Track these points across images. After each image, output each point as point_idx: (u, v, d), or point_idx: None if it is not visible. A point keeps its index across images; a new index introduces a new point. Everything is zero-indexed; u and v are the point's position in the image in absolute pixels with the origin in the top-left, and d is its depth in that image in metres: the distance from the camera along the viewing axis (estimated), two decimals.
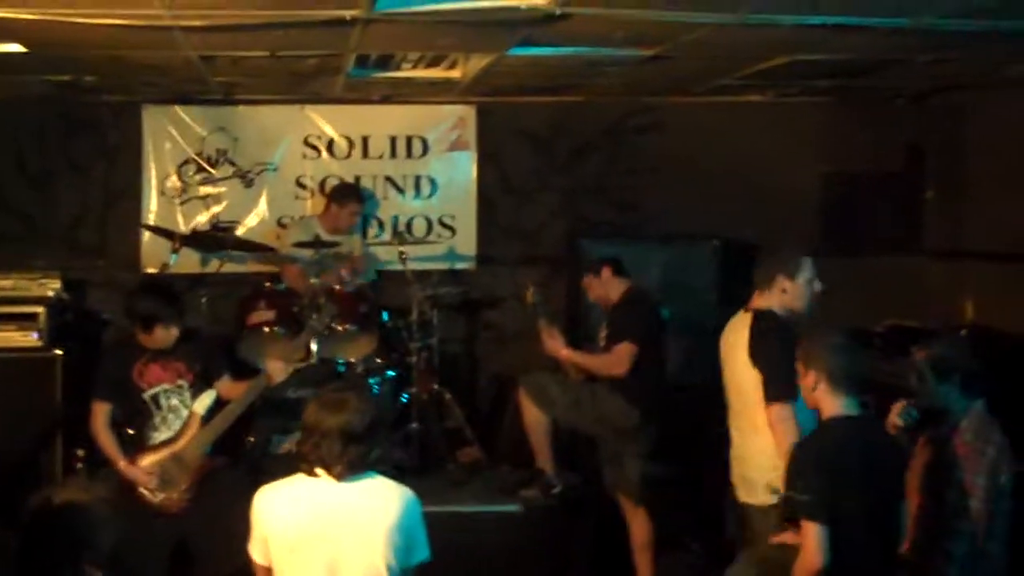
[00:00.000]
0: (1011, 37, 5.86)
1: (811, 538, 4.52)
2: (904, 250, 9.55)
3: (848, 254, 9.26)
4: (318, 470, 4.29)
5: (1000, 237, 8.61)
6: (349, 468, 4.25)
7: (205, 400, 6.41)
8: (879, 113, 9.40)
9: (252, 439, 7.65)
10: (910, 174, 9.68)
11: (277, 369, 6.55)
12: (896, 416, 5.27)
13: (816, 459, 4.66)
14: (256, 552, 4.41)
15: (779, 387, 5.26)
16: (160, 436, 6.41)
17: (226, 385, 6.61)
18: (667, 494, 7.05)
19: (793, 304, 5.64)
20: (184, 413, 6.42)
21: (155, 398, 6.43)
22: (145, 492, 6.24)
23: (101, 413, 6.42)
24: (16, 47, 6.30)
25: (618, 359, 6.70)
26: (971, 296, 9.07)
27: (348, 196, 8.66)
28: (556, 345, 6.99)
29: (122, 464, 6.32)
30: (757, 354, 5.49)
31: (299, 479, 4.34)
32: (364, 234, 9.15)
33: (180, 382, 6.46)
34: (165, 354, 6.44)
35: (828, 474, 4.57)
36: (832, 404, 4.72)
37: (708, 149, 9.18)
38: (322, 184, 9.15)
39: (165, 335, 6.38)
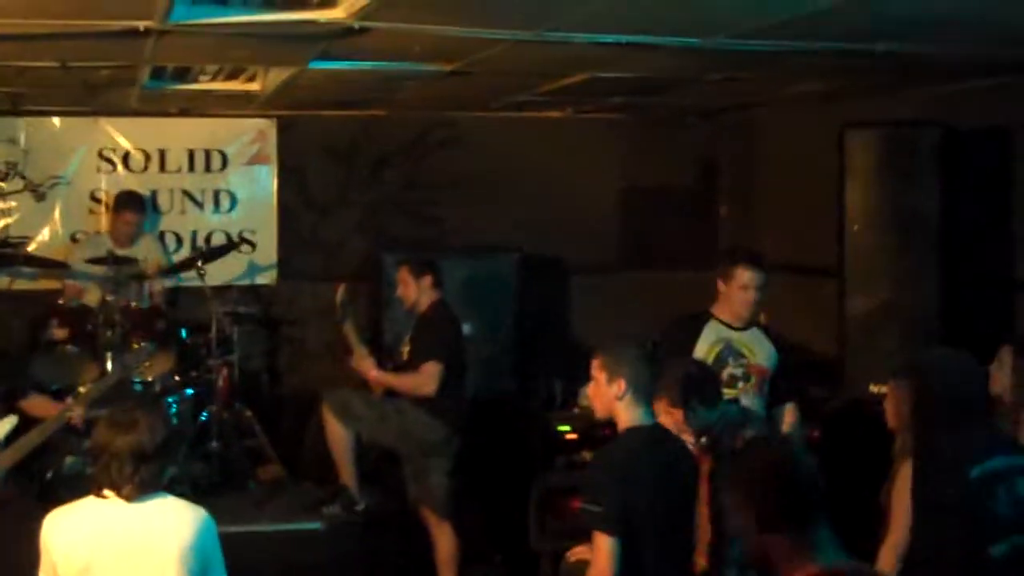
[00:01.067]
0: (798, 55, 6.05)
1: (602, 550, 4.46)
2: (699, 264, 9.75)
3: (644, 268, 9.48)
4: (108, 492, 4.18)
5: (789, 249, 8.88)
6: (140, 489, 4.13)
7: (4, 426, 6.16)
8: (673, 129, 9.65)
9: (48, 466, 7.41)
10: (704, 189, 9.96)
11: (78, 415, 6.35)
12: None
13: (609, 469, 4.70)
14: None
15: None
16: None
17: (37, 403, 6.41)
18: (470, 507, 7.09)
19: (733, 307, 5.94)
20: None
21: None
22: None
23: None
24: None
25: (426, 378, 6.68)
26: (764, 307, 9.32)
27: (123, 205, 8.45)
28: (367, 366, 6.95)
29: None
30: None
31: (89, 502, 4.21)
32: (164, 249, 8.96)
33: None
34: None
35: (621, 485, 4.60)
36: (631, 415, 4.77)
37: (508, 163, 9.28)
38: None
39: None
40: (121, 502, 4.16)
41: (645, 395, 4.76)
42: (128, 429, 4.16)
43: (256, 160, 9.30)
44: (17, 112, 8.75)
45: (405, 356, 6.98)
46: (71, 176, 8.96)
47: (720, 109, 9.10)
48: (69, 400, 6.44)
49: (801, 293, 8.41)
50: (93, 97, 8.09)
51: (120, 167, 9.05)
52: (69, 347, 7.48)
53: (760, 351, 5.95)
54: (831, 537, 3.17)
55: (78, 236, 8.87)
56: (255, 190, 9.30)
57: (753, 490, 3.24)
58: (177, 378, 7.90)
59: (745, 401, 5.84)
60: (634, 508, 4.54)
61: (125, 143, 9.06)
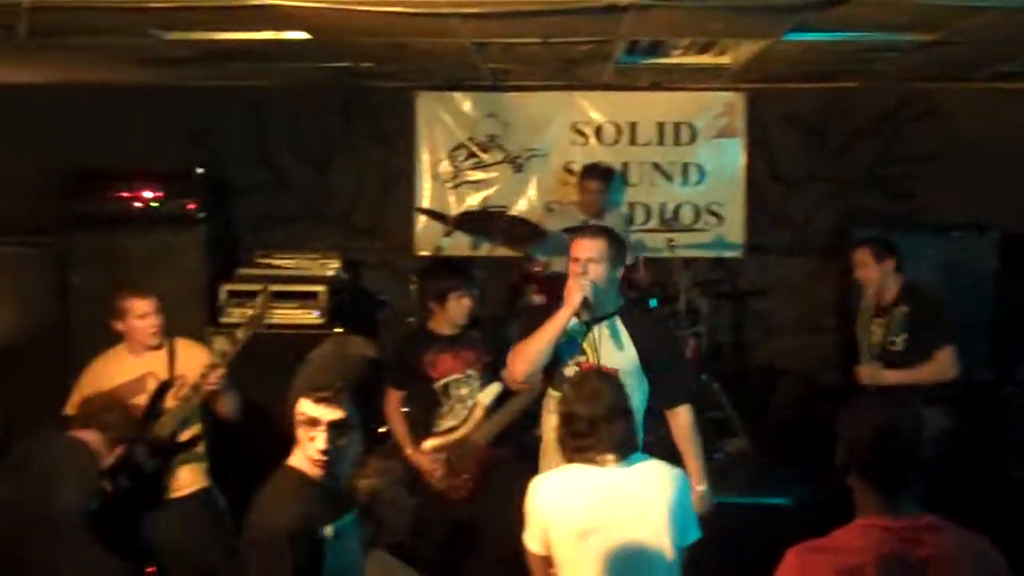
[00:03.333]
0: None
1: None
2: None
3: None
4: (592, 456, 4.28)
5: None
6: (621, 451, 4.25)
7: (491, 391, 6.43)
8: None
9: (537, 433, 7.71)
10: None
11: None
12: None
13: None
14: (534, 542, 4.40)
15: None
16: (445, 424, 6.45)
17: None
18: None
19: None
20: (470, 403, 6.47)
21: (445, 388, 6.45)
22: (429, 478, 6.38)
23: (393, 399, 6.58)
24: (301, 35, 6.54)
25: (946, 364, 6.56)
26: None
27: (587, 174, 8.57)
28: (878, 374, 6.73)
29: (409, 451, 6.47)
30: None
31: (572, 467, 4.34)
32: (630, 221, 9.14)
33: (470, 371, 6.47)
34: (455, 343, 6.49)
35: None
36: None
37: (987, 137, 8.81)
38: None
39: (458, 307, 6.43)
40: (606, 466, 4.27)
41: None
42: (597, 394, 4.26)
43: (724, 133, 9.29)
44: (498, 88, 9.15)
45: (895, 347, 6.75)
46: (547, 148, 9.28)
47: None
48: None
49: None
50: (569, 72, 8.36)
51: (593, 140, 9.28)
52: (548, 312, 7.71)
53: None
54: (917, 500, 3.36)
55: (552, 206, 9.16)
56: (723, 163, 9.29)
57: (855, 435, 3.43)
58: None
59: None
60: None
61: (598, 116, 9.28)
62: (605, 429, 4.24)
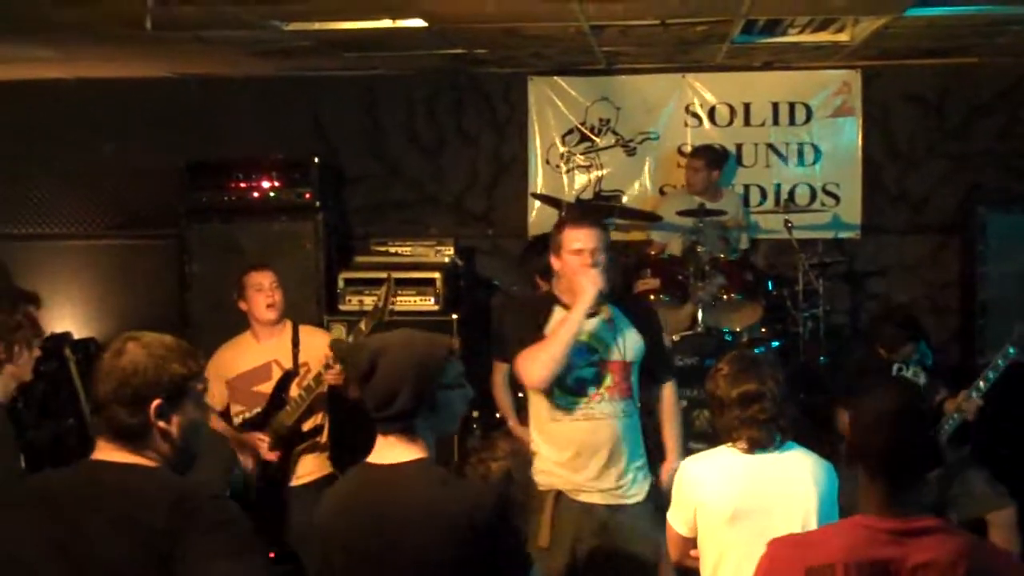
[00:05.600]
0: None
1: None
2: None
3: None
4: (743, 442, 4.24)
5: None
6: (773, 438, 4.21)
7: None
8: None
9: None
10: None
11: None
12: None
13: None
14: (679, 523, 4.39)
15: None
16: None
17: None
18: None
19: (569, 282, 5.19)
20: None
21: None
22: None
23: (500, 372, 6.63)
24: (418, 22, 6.56)
25: None
26: None
27: (695, 154, 8.64)
28: None
29: (512, 423, 6.53)
30: None
31: (724, 450, 4.31)
32: (746, 202, 9.07)
33: None
34: None
35: None
36: None
37: None
38: None
39: None
40: (760, 452, 4.24)
41: None
42: (751, 379, 4.22)
43: (840, 112, 9.16)
44: (611, 71, 9.11)
45: None
46: (660, 131, 9.22)
47: None
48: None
49: None
50: (682, 54, 8.32)
51: (706, 121, 9.21)
52: (662, 296, 7.70)
53: None
54: (919, 500, 3.19)
55: (666, 189, 9.12)
56: (839, 143, 9.15)
57: (860, 422, 3.28)
58: (764, 330, 7.95)
59: None
60: None
61: (711, 98, 9.20)
62: (759, 413, 4.19)
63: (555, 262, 5.18)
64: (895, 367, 6.56)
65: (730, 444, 4.26)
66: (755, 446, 4.20)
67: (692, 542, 4.34)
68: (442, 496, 3.35)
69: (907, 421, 3.25)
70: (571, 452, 5.13)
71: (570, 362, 5.02)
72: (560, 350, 4.95)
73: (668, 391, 5.43)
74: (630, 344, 5.18)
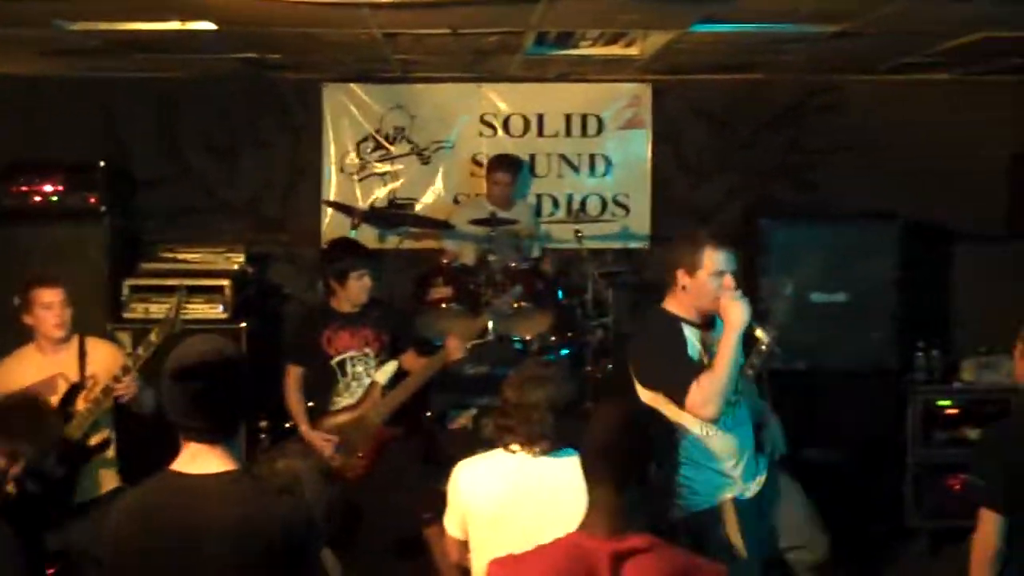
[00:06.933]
0: None
1: (985, 525, 4.35)
2: None
3: None
4: (516, 445, 4.28)
5: None
6: (550, 443, 4.23)
7: (388, 370, 6.58)
8: None
9: (430, 413, 7.75)
10: None
11: (456, 346, 6.66)
12: None
13: (996, 443, 4.57)
14: (452, 526, 4.41)
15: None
16: (342, 402, 6.63)
17: (409, 358, 6.77)
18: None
19: (699, 303, 5.11)
20: (367, 381, 6.60)
21: (341, 364, 6.64)
22: (324, 456, 6.42)
23: (293, 377, 6.62)
24: (208, 25, 6.45)
25: None
26: None
27: (495, 166, 8.69)
28: None
29: (304, 428, 6.53)
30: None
31: (498, 454, 4.33)
32: (538, 212, 9.15)
33: (367, 350, 6.66)
34: (354, 321, 6.63)
35: (1006, 459, 4.41)
36: None
37: (891, 128, 8.97)
38: None
39: (359, 286, 6.57)
40: (531, 456, 4.25)
41: None
42: (542, 384, 4.25)
43: (631, 124, 9.33)
44: (406, 80, 9.10)
45: None
46: (454, 140, 9.24)
47: None
48: (449, 338, 6.72)
49: None
50: (477, 64, 8.35)
51: (500, 132, 9.26)
52: (454, 305, 7.72)
53: None
54: (640, 504, 3.15)
55: (459, 198, 9.14)
56: (630, 154, 9.32)
57: (590, 440, 3.27)
58: (553, 338, 8.02)
59: None
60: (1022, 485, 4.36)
61: (505, 108, 9.26)
62: (538, 418, 4.22)
63: (683, 278, 5.09)
64: None
65: (505, 448, 4.30)
66: (529, 450, 4.23)
67: (467, 545, 4.36)
68: (257, 511, 3.26)
69: (616, 425, 3.23)
70: (728, 460, 5.10)
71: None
72: (727, 380, 4.86)
73: None
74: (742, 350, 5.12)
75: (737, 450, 5.13)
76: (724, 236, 5.18)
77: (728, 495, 5.10)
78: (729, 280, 4.97)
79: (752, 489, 5.20)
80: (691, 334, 5.07)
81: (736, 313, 4.85)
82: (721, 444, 5.09)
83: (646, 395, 5.08)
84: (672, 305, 5.19)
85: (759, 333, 4.98)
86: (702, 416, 4.93)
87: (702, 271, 5.01)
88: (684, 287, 5.09)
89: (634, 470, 3.14)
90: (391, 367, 6.63)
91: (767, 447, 5.34)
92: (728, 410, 5.03)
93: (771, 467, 5.34)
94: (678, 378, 4.92)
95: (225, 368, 3.34)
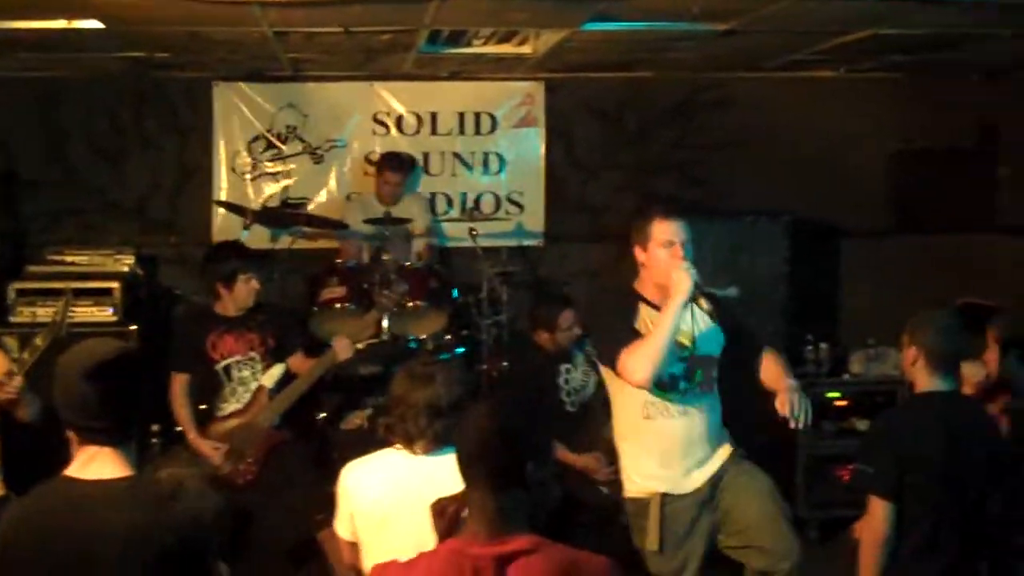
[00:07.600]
0: None
1: (875, 512, 4.52)
2: (976, 227, 9.40)
3: (919, 232, 9.20)
4: (399, 444, 4.28)
5: None
6: (434, 442, 4.23)
7: (274, 373, 6.51)
8: (952, 89, 9.24)
9: (323, 415, 7.71)
10: (983, 150, 9.54)
11: (344, 346, 6.63)
12: None
13: (886, 432, 4.73)
14: (342, 528, 4.38)
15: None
16: (229, 407, 6.54)
17: (297, 360, 6.71)
18: None
19: (656, 278, 5.04)
20: (253, 385, 6.52)
21: (227, 369, 6.57)
22: (212, 464, 6.34)
23: (179, 384, 6.52)
24: (94, 23, 6.35)
25: None
26: None
27: (384, 165, 8.67)
28: None
29: (192, 436, 6.45)
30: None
31: (384, 454, 4.31)
32: (432, 209, 9.15)
33: (252, 354, 6.59)
34: (238, 325, 6.55)
35: (897, 448, 4.55)
36: (923, 381, 4.71)
37: (778, 125, 9.13)
38: None
39: (247, 289, 6.49)
40: (415, 455, 4.25)
41: (942, 362, 4.65)
42: (425, 383, 4.25)
43: (524, 123, 9.37)
44: (297, 78, 9.04)
45: None
46: (347, 139, 9.20)
47: (1006, 67, 8.71)
48: (336, 339, 6.68)
49: None
50: (369, 62, 8.32)
51: (393, 130, 9.24)
52: (347, 305, 7.68)
53: None
54: (521, 505, 3.04)
55: (351, 197, 9.09)
56: (523, 152, 9.36)
57: (463, 444, 3.16)
58: (448, 337, 8.03)
59: None
60: (911, 473, 4.49)
61: (398, 106, 9.24)
62: (421, 417, 4.22)
63: (640, 255, 5.07)
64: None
65: (394, 447, 4.30)
66: (415, 449, 4.23)
67: (358, 547, 4.35)
68: (152, 519, 3.17)
69: (488, 428, 3.14)
70: (668, 449, 5.05)
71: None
72: (661, 346, 4.77)
73: (769, 352, 5.28)
74: (713, 338, 5.12)
75: (681, 439, 5.08)
76: (670, 207, 5.21)
77: (658, 490, 5.08)
78: (678, 250, 4.95)
79: (690, 485, 5.12)
80: (646, 312, 5.04)
81: (681, 282, 4.82)
82: (661, 430, 5.05)
83: (604, 372, 5.14)
84: (638, 285, 5.18)
85: (703, 303, 4.95)
86: (633, 382, 4.86)
87: (652, 243, 5.01)
88: (642, 264, 5.11)
89: (512, 472, 3.05)
90: (278, 370, 6.56)
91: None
92: (675, 396, 5.02)
93: (738, 462, 5.27)
94: (615, 345, 4.90)
95: (133, 367, 3.28)
